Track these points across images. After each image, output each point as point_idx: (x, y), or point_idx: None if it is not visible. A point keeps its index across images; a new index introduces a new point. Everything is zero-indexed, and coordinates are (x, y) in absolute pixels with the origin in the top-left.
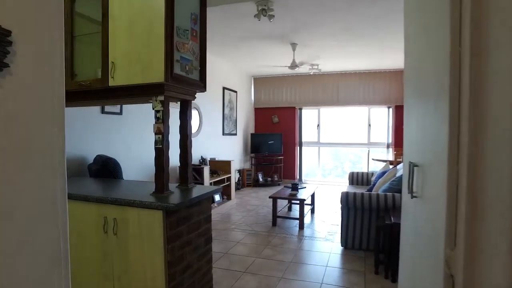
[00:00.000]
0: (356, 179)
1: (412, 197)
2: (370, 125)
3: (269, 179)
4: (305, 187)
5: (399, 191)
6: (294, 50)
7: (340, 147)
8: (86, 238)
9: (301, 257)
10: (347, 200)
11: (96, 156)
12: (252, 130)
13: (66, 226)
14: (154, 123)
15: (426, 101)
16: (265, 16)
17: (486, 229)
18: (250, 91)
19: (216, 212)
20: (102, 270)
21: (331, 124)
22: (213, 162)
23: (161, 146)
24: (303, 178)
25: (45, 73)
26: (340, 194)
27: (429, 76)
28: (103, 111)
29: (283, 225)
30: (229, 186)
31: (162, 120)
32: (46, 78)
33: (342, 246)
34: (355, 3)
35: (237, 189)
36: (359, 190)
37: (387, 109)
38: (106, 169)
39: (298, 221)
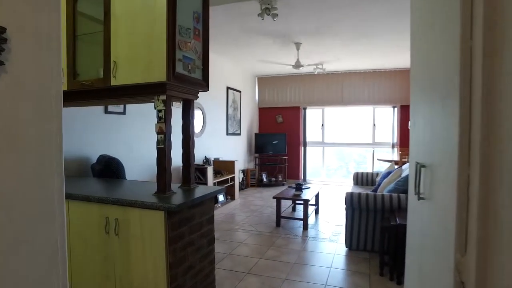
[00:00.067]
0: (361, 179)
1: (419, 198)
2: (375, 125)
3: (273, 179)
4: (309, 188)
5: (405, 192)
6: (298, 49)
7: (344, 147)
8: (87, 238)
9: (305, 258)
10: (351, 201)
11: (99, 156)
12: (256, 130)
13: (63, 226)
14: (156, 122)
15: (434, 100)
16: (268, 15)
17: (499, 232)
18: (254, 90)
19: (219, 212)
20: (104, 271)
21: (336, 124)
22: (216, 162)
23: (163, 146)
24: (307, 178)
25: (42, 72)
26: (344, 195)
27: (437, 75)
28: (106, 111)
29: (287, 225)
30: (233, 186)
31: (164, 119)
32: (43, 77)
33: (346, 247)
34: (360, 2)
35: (241, 189)
36: (364, 191)
37: (392, 108)
38: (109, 169)
39: (302, 221)
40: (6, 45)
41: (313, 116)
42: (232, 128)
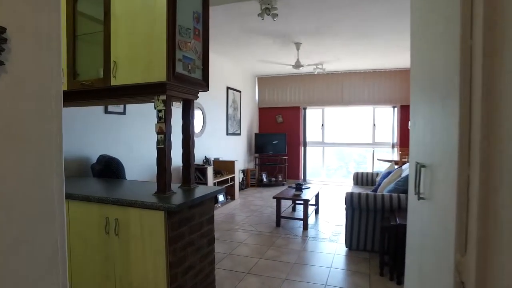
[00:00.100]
0: (361, 179)
1: (419, 198)
2: (375, 125)
3: (273, 179)
4: (309, 188)
5: (405, 192)
6: (298, 49)
7: (344, 147)
8: (87, 238)
9: (305, 258)
10: (351, 201)
11: (99, 156)
12: (256, 130)
13: (64, 226)
14: (156, 122)
15: (434, 100)
16: (268, 15)
17: (499, 233)
18: (254, 90)
19: (220, 212)
20: (104, 271)
21: (336, 124)
22: (217, 162)
23: (163, 146)
24: (307, 178)
25: (42, 72)
26: (344, 195)
27: (437, 74)
28: (106, 111)
29: (287, 225)
30: (233, 186)
31: (164, 119)
32: (43, 77)
33: (346, 247)
34: (360, 2)
35: (241, 189)
36: (364, 191)
37: (392, 108)
38: (109, 169)
39: (302, 221)
40: (6, 45)
41: (313, 116)
42: (232, 128)
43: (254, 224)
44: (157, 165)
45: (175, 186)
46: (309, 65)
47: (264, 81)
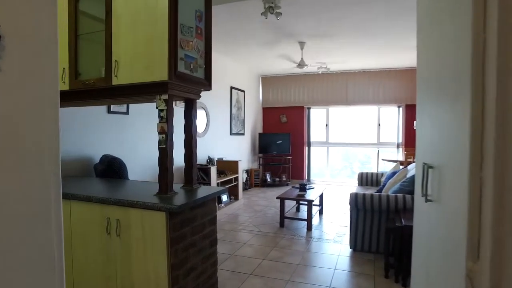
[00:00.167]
0: (365, 179)
1: (427, 200)
2: (379, 124)
3: (277, 179)
4: (313, 188)
5: (410, 193)
6: (302, 48)
7: (349, 147)
8: (89, 239)
9: (309, 259)
10: (356, 201)
11: (102, 156)
12: (260, 130)
13: (60, 228)
14: (158, 122)
15: (443, 99)
16: (272, 13)
17: None
18: (258, 90)
19: (223, 213)
20: (105, 272)
21: (340, 124)
22: (220, 162)
23: (164, 146)
24: (311, 178)
25: (39, 71)
26: (349, 195)
27: (446, 72)
28: (109, 111)
29: (290, 226)
30: (236, 186)
31: (166, 119)
32: (39, 76)
33: (351, 248)
34: (365, 0)
35: (244, 189)
36: (369, 191)
37: (397, 108)
38: (111, 169)
39: (306, 222)
40: (1, 44)
41: (317, 116)
42: (236, 128)
43: (258, 224)
44: (158, 165)
45: (177, 186)
46: (313, 64)
47: (268, 81)
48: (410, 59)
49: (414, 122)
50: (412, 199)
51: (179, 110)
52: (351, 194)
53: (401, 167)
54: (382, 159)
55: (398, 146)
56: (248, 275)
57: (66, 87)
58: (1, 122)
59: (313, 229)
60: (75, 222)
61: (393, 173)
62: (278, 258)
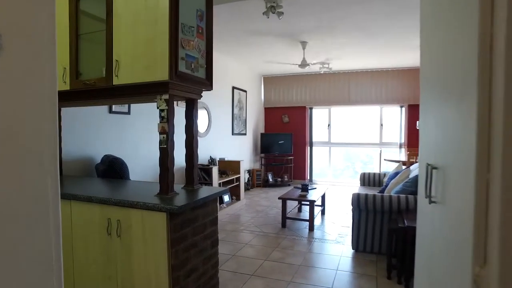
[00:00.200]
0: (368, 180)
1: (430, 202)
2: (382, 124)
3: (279, 179)
4: (315, 188)
5: (413, 193)
6: (304, 48)
7: (351, 147)
8: (90, 239)
9: (311, 260)
10: (358, 202)
11: (103, 156)
12: (262, 130)
13: (59, 228)
14: (158, 122)
15: (447, 98)
16: (274, 13)
17: None
18: (260, 90)
19: (225, 213)
20: (106, 273)
21: (342, 124)
22: (222, 162)
23: (165, 146)
24: (313, 178)
25: (37, 71)
26: (351, 195)
27: (451, 71)
28: (110, 111)
29: (292, 226)
30: (238, 186)
31: (166, 119)
32: (37, 76)
33: (353, 249)
34: None
35: (246, 189)
36: (371, 192)
37: (399, 108)
38: (112, 169)
39: (308, 222)
40: None
41: (319, 116)
42: (237, 128)
43: (260, 225)
44: (159, 166)
45: (178, 186)
46: (315, 64)
47: (270, 81)
48: (413, 59)
49: (417, 122)
50: (415, 199)
51: (180, 110)
52: (353, 195)
53: (404, 167)
54: (385, 159)
55: (400, 146)
56: (249, 276)
57: (67, 87)
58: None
59: (315, 230)
60: (75, 222)
61: (396, 174)
62: (280, 258)
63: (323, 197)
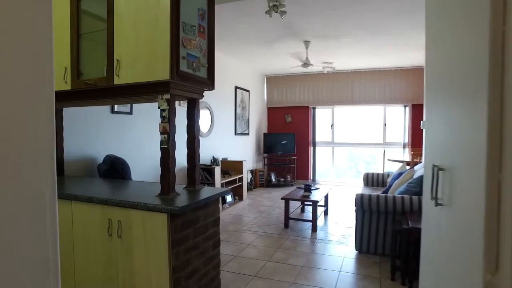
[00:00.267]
0: (371, 180)
1: (437, 204)
2: (385, 124)
3: (282, 179)
4: (318, 188)
5: (417, 194)
6: (307, 48)
7: (354, 147)
8: (90, 240)
9: (314, 261)
10: (361, 203)
11: (105, 156)
12: (265, 129)
13: (56, 229)
14: (159, 122)
15: (455, 98)
16: (276, 12)
17: None
18: (263, 90)
19: (227, 213)
20: (107, 273)
21: (346, 124)
22: (224, 162)
23: (166, 146)
24: (316, 178)
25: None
26: (354, 196)
27: (459, 70)
28: (113, 111)
29: (295, 227)
30: (241, 186)
31: (168, 119)
32: (34, 76)
33: (356, 250)
34: None
35: (249, 189)
36: (375, 192)
37: (403, 108)
38: (114, 169)
39: (311, 223)
40: None
41: (322, 116)
42: (240, 128)
43: (262, 225)
44: (160, 166)
45: (180, 187)
46: (318, 64)
47: (273, 81)
48: (417, 58)
49: (421, 121)
50: (419, 200)
51: (183, 109)
52: (357, 195)
53: (408, 167)
54: (388, 159)
55: (404, 146)
56: (252, 277)
57: (68, 87)
58: None
59: (318, 230)
60: (76, 223)
61: (400, 174)
62: (283, 259)
63: (326, 197)
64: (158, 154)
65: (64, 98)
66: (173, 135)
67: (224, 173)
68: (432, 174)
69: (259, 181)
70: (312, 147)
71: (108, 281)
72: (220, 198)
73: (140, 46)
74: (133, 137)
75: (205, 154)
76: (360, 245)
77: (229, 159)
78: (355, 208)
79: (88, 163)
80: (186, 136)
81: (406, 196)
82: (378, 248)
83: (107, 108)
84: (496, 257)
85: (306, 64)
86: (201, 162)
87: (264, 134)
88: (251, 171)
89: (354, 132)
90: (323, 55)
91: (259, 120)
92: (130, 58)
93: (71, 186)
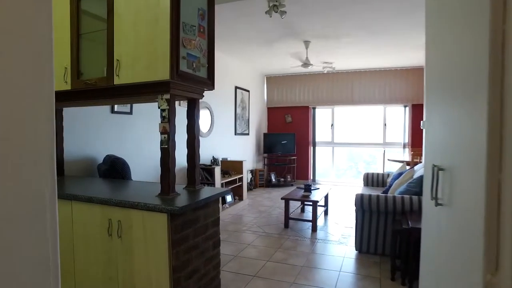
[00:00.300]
0: (371, 180)
1: (437, 204)
2: (385, 124)
3: (282, 179)
4: (318, 188)
5: (417, 194)
6: (307, 47)
7: (354, 147)
8: (90, 240)
9: (314, 261)
10: (361, 203)
11: (106, 156)
12: (265, 129)
13: (56, 229)
14: (159, 122)
15: (455, 98)
16: (276, 12)
17: None
18: (263, 90)
19: (227, 213)
20: (107, 273)
21: (346, 124)
22: (224, 162)
23: (166, 146)
24: (316, 178)
25: (34, 71)
26: (354, 196)
27: (459, 70)
28: (113, 111)
29: (295, 227)
30: (241, 186)
31: (168, 119)
32: (33, 76)
33: (356, 250)
34: None
35: (249, 189)
36: (375, 192)
37: (403, 108)
38: (114, 169)
39: (311, 223)
40: None
41: (322, 116)
42: (240, 128)
43: (262, 225)
44: (160, 166)
45: (180, 187)
46: (318, 64)
47: (273, 81)
48: (417, 58)
49: (421, 121)
50: (419, 200)
51: (183, 109)
52: (357, 195)
53: (408, 167)
54: (388, 159)
55: (404, 146)
56: (252, 277)
57: (68, 87)
58: None
59: (318, 230)
60: (76, 223)
61: (400, 174)
62: (283, 259)
63: (326, 197)
64: (158, 154)
65: (64, 98)
66: (173, 135)
67: (224, 173)
68: (432, 174)
69: (259, 181)
70: (312, 147)
71: (108, 281)
72: (220, 198)
73: (140, 46)
74: (133, 137)
75: (205, 154)
76: (360, 245)
77: (229, 159)
78: (355, 208)
79: (88, 163)
80: (186, 136)
81: (406, 196)
82: (378, 248)
83: (107, 108)
84: (496, 257)
85: (306, 64)
86: (201, 162)
87: (264, 134)
88: (251, 171)
89: (354, 132)
90: (323, 55)
91: (259, 120)
92: (130, 58)
93: (71, 186)
